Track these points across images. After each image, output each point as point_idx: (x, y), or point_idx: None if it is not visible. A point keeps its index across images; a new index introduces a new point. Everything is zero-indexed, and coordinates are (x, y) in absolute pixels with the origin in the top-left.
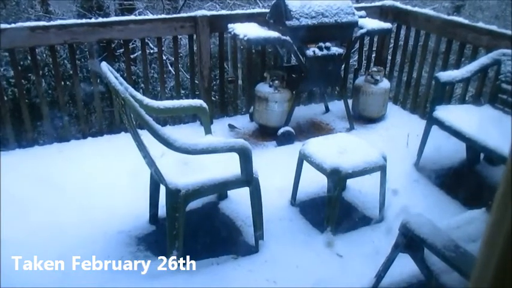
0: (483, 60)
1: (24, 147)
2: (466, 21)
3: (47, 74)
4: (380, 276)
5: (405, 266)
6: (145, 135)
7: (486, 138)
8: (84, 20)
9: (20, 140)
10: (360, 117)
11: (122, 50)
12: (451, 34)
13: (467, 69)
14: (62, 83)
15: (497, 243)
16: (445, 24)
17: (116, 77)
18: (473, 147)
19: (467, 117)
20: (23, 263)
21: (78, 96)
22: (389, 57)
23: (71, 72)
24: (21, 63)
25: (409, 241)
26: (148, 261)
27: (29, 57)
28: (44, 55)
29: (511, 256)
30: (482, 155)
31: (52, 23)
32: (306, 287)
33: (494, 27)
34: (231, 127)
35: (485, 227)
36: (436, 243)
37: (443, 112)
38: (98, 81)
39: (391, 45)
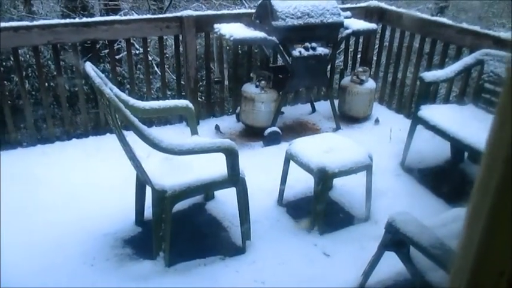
0: (467, 60)
1: (7, 149)
2: (450, 22)
3: (30, 74)
4: (367, 274)
5: (391, 264)
6: (130, 136)
7: (470, 137)
8: (68, 20)
9: (2, 142)
10: (346, 117)
11: (107, 51)
12: (435, 34)
13: (451, 69)
14: (46, 84)
15: (475, 233)
16: (429, 24)
17: (100, 78)
18: (458, 146)
19: (451, 117)
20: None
21: (63, 97)
22: (375, 58)
23: (55, 73)
24: (4, 63)
25: (395, 239)
26: (135, 263)
27: (12, 58)
28: (28, 56)
29: (488, 246)
30: (466, 154)
31: (35, 22)
32: (294, 286)
33: (477, 28)
34: (218, 128)
35: (464, 219)
36: (422, 241)
37: (428, 112)
38: (83, 82)
39: (377, 45)
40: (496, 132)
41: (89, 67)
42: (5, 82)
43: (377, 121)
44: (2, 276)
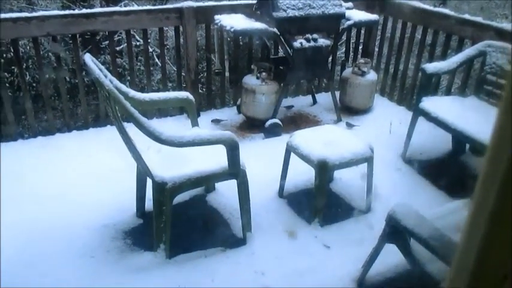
0: (469, 51)
1: (8, 141)
2: (452, 13)
3: (30, 66)
4: (367, 266)
5: (392, 256)
6: (131, 128)
7: (471, 129)
8: (67, 11)
9: (3, 133)
10: (347, 109)
11: (107, 42)
12: (437, 26)
13: (453, 61)
14: (46, 75)
15: (479, 227)
16: (431, 15)
17: (100, 69)
18: (459, 138)
19: (453, 109)
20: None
21: (63, 88)
22: (376, 49)
23: (55, 64)
24: (4, 55)
25: (395, 231)
26: (136, 255)
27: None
28: (28, 47)
29: (492, 240)
30: (467, 146)
31: (34, 14)
32: (294, 278)
33: (479, 19)
34: (215, 122)
35: (468, 212)
36: (422, 233)
37: (429, 103)
38: (83, 73)
39: (378, 37)
40: (501, 127)
41: (89, 59)
42: (6, 74)
43: (349, 125)
44: (2, 276)
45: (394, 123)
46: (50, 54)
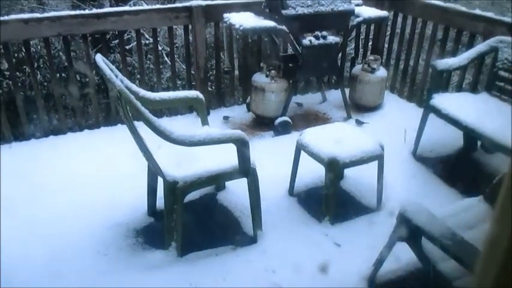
0: (480, 47)
1: (20, 141)
2: (462, 8)
3: (42, 66)
4: (378, 264)
5: (403, 254)
6: (141, 128)
7: (483, 126)
8: (78, 12)
9: (15, 133)
10: (357, 106)
11: (116, 41)
12: (447, 21)
13: (464, 57)
14: (57, 75)
15: (502, 237)
16: (441, 11)
17: (111, 69)
18: (470, 135)
19: (464, 105)
20: (22, 258)
21: (74, 88)
22: (386, 46)
23: (66, 64)
24: (16, 55)
25: (407, 230)
26: (147, 253)
27: (23, 50)
28: (39, 47)
29: None
30: (479, 143)
31: (45, 14)
32: (304, 276)
33: (491, 14)
34: (225, 118)
35: (489, 225)
36: (433, 232)
37: (440, 100)
38: (94, 72)
39: (388, 33)
40: None
41: (100, 59)
42: (17, 73)
43: (359, 122)
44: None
45: (407, 130)
46: (60, 53)
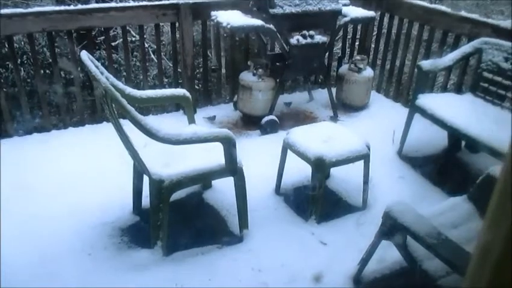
0: (465, 48)
1: (3, 138)
2: (448, 10)
3: (25, 62)
4: (363, 263)
5: (388, 253)
6: (127, 126)
7: (467, 126)
8: (63, 7)
9: None
10: (344, 106)
11: (102, 38)
12: (433, 22)
13: (449, 58)
14: (42, 71)
15: (494, 246)
16: (427, 12)
17: (96, 66)
18: (455, 135)
19: (449, 106)
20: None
21: (58, 85)
22: (373, 46)
23: (50, 60)
24: None
25: (392, 229)
26: (133, 252)
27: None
28: (22, 43)
29: (507, 259)
30: (463, 143)
31: (30, 10)
32: (290, 274)
33: (476, 16)
34: (212, 118)
35: (481, 229)
36: (419, 231)
37: (425, 100)
38: (79, 69)
39: (375, 33)
40: None
41: (85, 56)
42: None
43: (333, 119)
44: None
45: (395, 131)
46: (44, 49)
